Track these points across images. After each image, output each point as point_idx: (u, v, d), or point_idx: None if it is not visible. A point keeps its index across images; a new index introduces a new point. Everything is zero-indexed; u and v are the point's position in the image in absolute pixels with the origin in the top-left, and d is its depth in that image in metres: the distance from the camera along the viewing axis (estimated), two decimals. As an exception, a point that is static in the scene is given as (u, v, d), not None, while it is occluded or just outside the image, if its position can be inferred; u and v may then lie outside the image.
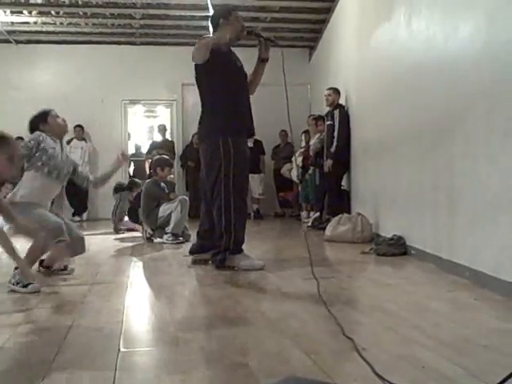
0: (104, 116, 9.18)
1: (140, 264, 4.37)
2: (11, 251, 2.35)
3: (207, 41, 3.69)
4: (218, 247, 3.76)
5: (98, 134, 9.27)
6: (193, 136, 8.47)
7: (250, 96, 3.97)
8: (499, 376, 1.43)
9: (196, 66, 3.76)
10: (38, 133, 3.52)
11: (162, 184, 6.02)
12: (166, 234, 5.66)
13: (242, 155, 3.75)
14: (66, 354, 1.91)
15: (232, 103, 3.72)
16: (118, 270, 4.17)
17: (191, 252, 4.06)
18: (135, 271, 3.94)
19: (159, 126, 9.55)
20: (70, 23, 8.37)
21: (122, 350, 1.94)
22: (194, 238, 4.61)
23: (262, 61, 3.92)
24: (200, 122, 3.88)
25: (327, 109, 6.61)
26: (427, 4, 3.96)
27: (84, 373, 1.71)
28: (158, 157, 6.41)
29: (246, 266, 3.68)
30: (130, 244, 5.71)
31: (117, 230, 6.80)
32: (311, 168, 7.31)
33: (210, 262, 3.92)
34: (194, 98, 4.17)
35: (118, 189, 7.14)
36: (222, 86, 3.69)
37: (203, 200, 4.02)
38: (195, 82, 3.86)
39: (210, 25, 3.98)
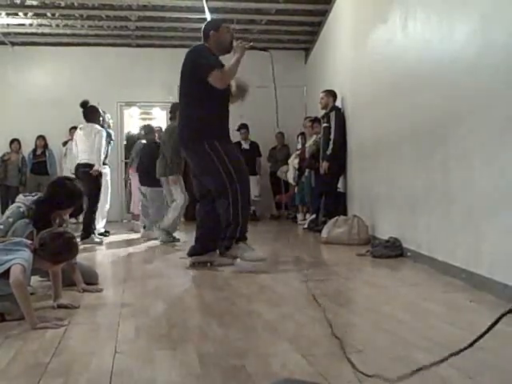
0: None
1: (136, 265, 4.36)
2: (27, 308, 2.32)
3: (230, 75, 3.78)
4: (223, 234, 3.81)
5: (94, 136, 9.23)
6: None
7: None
8: (494, 377, 1.43)
9: (191, 75, 3.78)
10: None
11: None
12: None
13: (232, 151, 3.86)
14: (62, 356, 1.91)
15: (218, 113, 3.85)
16: (113, 271, 4.16)
17: (190, 254, 4.06)
18: (131, 273, 3.94)
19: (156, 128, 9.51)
20: (65, 25, 8.36)
21: (118, 352, 1.94)
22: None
23: None
24: (181, 128, 3.90)
25: (323, 111, 6.62)
26: (423, 7, 3.98)
27: (79, 376, 1.71)
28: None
29: (248, 257, 3.73)
30: (127, 245, 5.71)
31: None
32: (307, 170, 7.32)
33: (208, 264, 3.93)
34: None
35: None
36: (212, 97, 3.76)
37: (200, 202, 4.03)
38: (181, 88, 3.89)
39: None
